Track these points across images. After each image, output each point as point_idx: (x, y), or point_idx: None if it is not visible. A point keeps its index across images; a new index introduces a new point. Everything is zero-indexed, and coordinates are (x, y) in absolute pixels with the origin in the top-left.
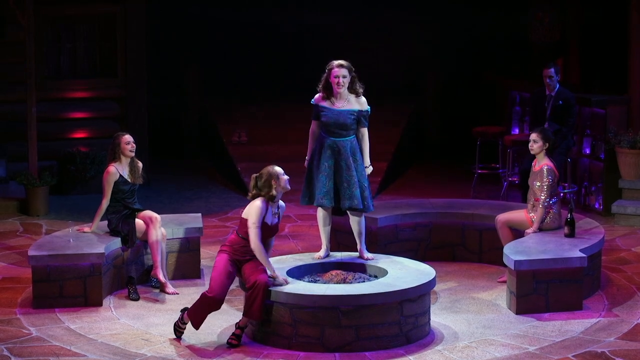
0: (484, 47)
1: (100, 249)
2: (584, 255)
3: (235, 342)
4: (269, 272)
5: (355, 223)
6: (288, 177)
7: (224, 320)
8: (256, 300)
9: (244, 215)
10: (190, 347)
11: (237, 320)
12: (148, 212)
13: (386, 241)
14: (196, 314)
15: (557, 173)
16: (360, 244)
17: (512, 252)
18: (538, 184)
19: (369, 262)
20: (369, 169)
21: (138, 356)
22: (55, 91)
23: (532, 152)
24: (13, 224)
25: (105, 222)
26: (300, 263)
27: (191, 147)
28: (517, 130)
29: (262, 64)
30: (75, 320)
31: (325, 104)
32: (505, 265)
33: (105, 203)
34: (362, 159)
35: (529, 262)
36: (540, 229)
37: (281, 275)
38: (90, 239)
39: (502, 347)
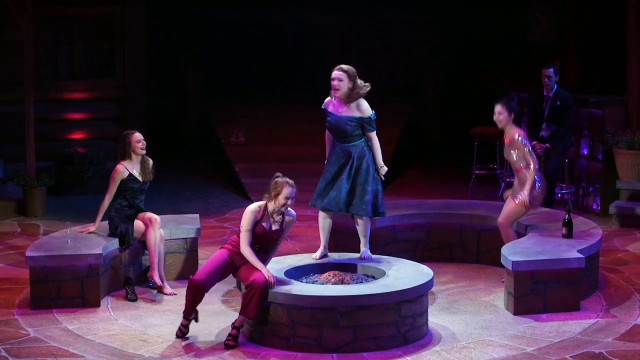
0: (484, 47)
1: (97, 249)
2: (581, 256)
3: (232, 342)
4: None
5: (360, 226)
6: (290, 201)
7: (221, 321)
8: (253, 299)
9: None
10: (188, 348)
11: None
12: (148, 214)
13: (384, 242)
14: (185, 299)
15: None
16: (363, 244)
17: (510, 252)
18: (515, 152)
19: (366, 263)
20: (383, 169)
21: (136, 357)
22: (53, 92)
23: (499, 125)
24: (11, 225)
25: (106, 222)
26: (298, 264)
27: (191, 147)
28: None
29: (262, 64)
30: (73, 321)
31: (330, 108)
32: (503, 266)
33: (107, 200)
34: (373, 163)
35: (527, 262)
36: (531, 204)
37: (278, 276)
38: (88, 240)
39: (500, 347)
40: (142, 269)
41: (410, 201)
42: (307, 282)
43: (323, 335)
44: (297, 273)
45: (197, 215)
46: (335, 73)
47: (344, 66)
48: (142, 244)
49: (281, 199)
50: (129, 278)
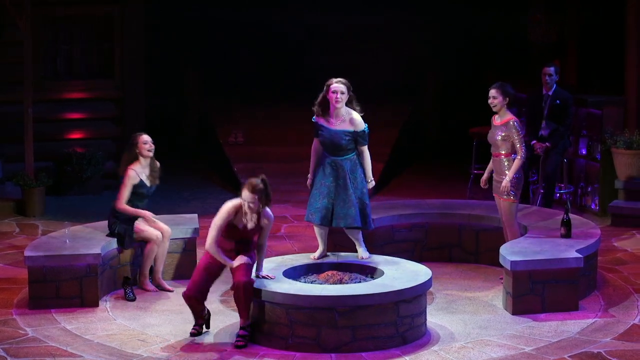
0: (483, 47)
1: (96, 249)
2: (580, 255)
3: (240, 343)
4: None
5: (352, 235)
6: (248, 206)
7: (220, 321)
8: (240, 302)
9: None
10: (187, 348)
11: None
12: (160, 223)
13: (382, 242)
14: None
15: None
16: (360, 248)
17: (509, 252)
18: (503, 135)
19: (365, 263)
20: (372, 184)
21: (134, 357)
22: (52, 92)
23: (493, 109)
24: (9, 225)
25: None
26: (297, 264)
27: (190, 147)
28: None
29: (262, 64)
30: (71, 320)
31: (323, 122)
32: (501, 266)
33: (127, 206)
34: (363, 176)
35: (525, 262)
36: (509, 194)
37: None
38: (87, 240)
39: (499, 347)
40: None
41: (408, 201)
42: (305, 282)
43: (321, 335)
44: (296, 273)
45: (196, 215)
46: (338, 86)
47: (341, 79)
48: (142, 244)
49: (247, 204)
50: (128, 278)
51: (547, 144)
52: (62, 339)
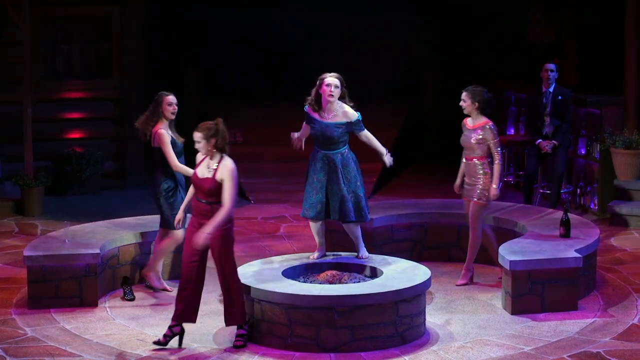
0: (483, 47)
1: (95, 249)
2: (579, 255)
3: (240, 343)
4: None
5: (350, 231)
6: (199, 147)
7: (219, 321)
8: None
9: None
10: (186, 348)
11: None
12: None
13: (381, 241)
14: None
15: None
16: (359, 247)
17: (508, 252)
18: (478, 139)
19: (365, 263)
20: (388, 156)
21: (133, 356)
22: (51, 92)
23: (464, 112)
24: (8, 225)
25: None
26: (296, 263)
27: (189, 147)
28: (512, 131)
29: (262, 64)
30: (70, 320)
31: (315, 115)
32: (500, 266)
33: (179, 166)
34: (356, 170)
35: (525, 262)
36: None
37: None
38: (86, 240)
39: (498, 347)
40: (140, 268)
41: (407, 201)
42: (304, 282)
43: (321, 334)
44: (295, 273)
45: None
46: (332, 80)
47: (334, 74)
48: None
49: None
50: (127, 278)
51: (553, 141)
52: (61, 339)
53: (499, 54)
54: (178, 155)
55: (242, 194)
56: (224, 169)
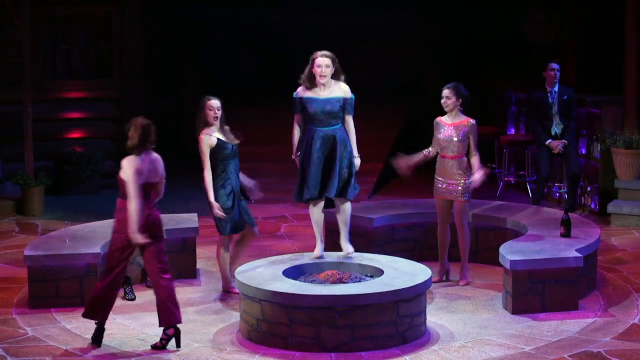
0: (483, 47)
1: (96, 248)
2: (579, 255)
3: (159, 344)
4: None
5: (343, 212)
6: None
7: (220, 320)
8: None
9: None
10: (186, 347)
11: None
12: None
13: (382, 241)
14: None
15: None
16: (345, 235)
17: (508, 252)
18: (460, 136)
19: (365, 262)
20: (358, 160)
21: (134, 356)
22: (51, 92)
23: (446, 109)
24: (9, 224)
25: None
26: (296, 263)
27: (189, 147)
28: (512, 131)
29: (262, 64)
30: (71, 320)
31: (310, 94)
32: (501, 265)
33: (207, 175)
34: (351, 147)
35: (525, 262)
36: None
37: (277, 275)
38: (86, 239)
39: (498, 347)
40: (140, 268)
41: (408, 200)
42: (305, 282)
43: (321, 334)
44: (295, 272)
45: (195, 214)
46: (323, 60)
47: (326, 52)
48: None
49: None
50: (128, 277)
51: (564, 141)
52: (62, 339)
53: (499, 54)
54: (230, 158)
55: (242, 194)
56: (123, 167)
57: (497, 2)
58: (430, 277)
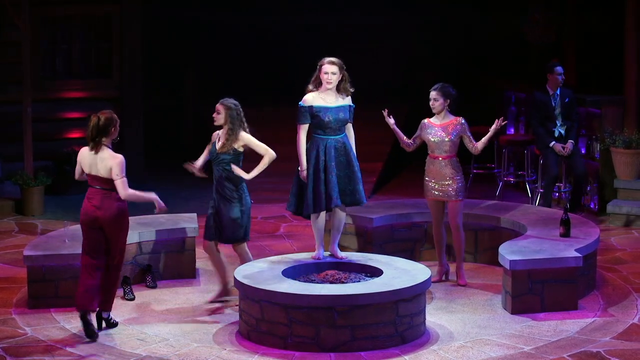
0: (483, 47)
1: None
2: (579, 255)
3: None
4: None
5: (339, 219)
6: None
7: (219, 320)
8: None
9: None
10: (186, 347)
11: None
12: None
13: (381, 241)
14: None
15: None
16: (336, 241)
17: (508, 252)
18: (452, 136)
19: (364, 262)
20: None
21: (133, 356)
22: (51, 91)
23: (434, 110)
24: (8, 224)
25: None
26: (296, 263)
27: (188, 147)
28: (512, 131)
29: (261, 65)
30: (70, 320)
31: (319, 103)
32: (500, 265)
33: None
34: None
35: (524, 262)
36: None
37: (276, 275)
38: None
39: (498, 346)
40: (139, 268)
41: (407, 200)
42: (304, 282)
43: (320, 334)
44: (295, 272)
45: (195, 214)
46: (330, 67)
47: (334, 59)
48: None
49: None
50: (127, 277)
51: (571, 141)
52: (61, 339)
53: (498, 54)
54: (215, 164)
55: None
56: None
57: (497, 2)
58: (430, 277)
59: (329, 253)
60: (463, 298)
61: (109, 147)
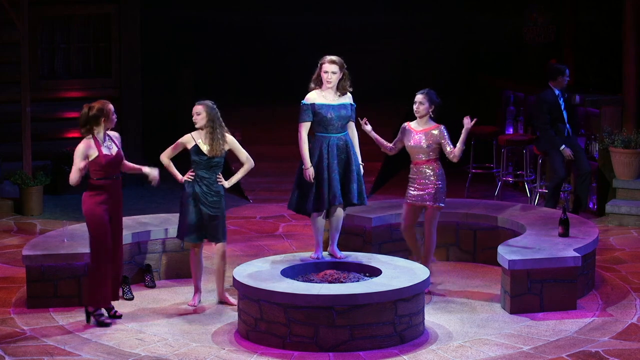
0: (482, 47)
1: None
2: (578, 254)
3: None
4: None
5: (338, 219)
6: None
7: (218, 320)
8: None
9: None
10: (184, 347)
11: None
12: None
13: (380, 241)
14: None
15: None
16: (335, 241)
17: (507, 251)
18: (430, 142)
19: (364, 262)
20: (362, 168)
21: (132, 356)
22: (49, 91)
23: (417, 114)
24: (7, 224)
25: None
26: (295, 262)
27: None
28: (511, 130)
29: (260, 64)
30: (69, 319)
31: (321, 101)
32: (499, 265)
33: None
34: (356, 153)
35: (523, 261)
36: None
37: (276, 275)
38: (85, 239)
39: (496, 346)
40: (138, 267)
41: None
42: (303, 281)
43: (319, 334)
44: (294, 272)
45: None
46: (330, 66)
47: (335, 58)
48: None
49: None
50: (126, 277)
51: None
52: (60, 338)
53: (497, 54)
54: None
55: (240, 193)
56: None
57: (496, 2)
58: (429, 277)
59: (328, 253)
60: (462, 298)
61: (103, 135)
